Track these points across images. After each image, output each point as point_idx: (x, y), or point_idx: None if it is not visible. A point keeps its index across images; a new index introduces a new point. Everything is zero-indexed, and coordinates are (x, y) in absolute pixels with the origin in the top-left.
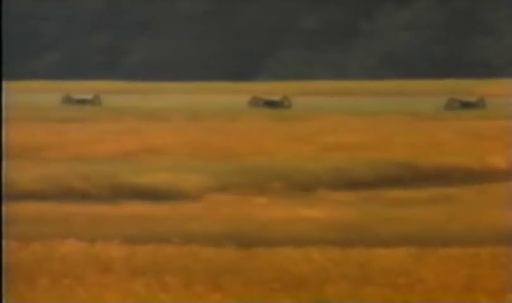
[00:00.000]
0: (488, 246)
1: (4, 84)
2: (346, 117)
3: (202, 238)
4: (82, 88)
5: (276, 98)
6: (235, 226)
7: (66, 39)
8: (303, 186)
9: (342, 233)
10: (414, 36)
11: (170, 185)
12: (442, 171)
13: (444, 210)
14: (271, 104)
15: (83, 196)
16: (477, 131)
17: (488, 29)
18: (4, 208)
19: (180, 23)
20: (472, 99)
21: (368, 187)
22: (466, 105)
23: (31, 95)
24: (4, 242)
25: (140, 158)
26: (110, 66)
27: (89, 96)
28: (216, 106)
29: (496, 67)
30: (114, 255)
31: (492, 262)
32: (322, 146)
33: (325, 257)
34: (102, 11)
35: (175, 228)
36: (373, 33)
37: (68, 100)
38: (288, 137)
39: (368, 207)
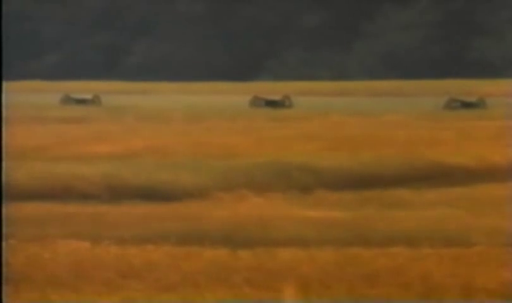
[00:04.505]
0: (488, 246)
1: (4, 84)
2: (347, 117)
3: (202, 238)
4: (82, 88)
5: (277, 97)
6: (235, 226)
7: (66, 39)
8: (302, 186)
9: (342, 233)
10: (414, 36)
11: (170, 185)
12: (442, 171)
13: (443, 210)
14: (272, 104)
15: (83, 196)
16: (477, 131)
17: (488, 30)
18: (4, 208)
19: (180, 23)
20: (472, 99)
21: (368, 187)
22: (466, 105)
23: (31, 95)
24: (4, 242)
25: (140, 158)
26: (110, 66)
27: (89, 96)
28: (216, 107)
29: (496, 67)
30: (114, 255)
31: (492, 262)
32: (322, 146)
33: (325, 257)
34: (102, 11)
35: (175, 228)
36: (374, 33)
37: (68, 100)
38: (289, 137)
39: (368, 207)
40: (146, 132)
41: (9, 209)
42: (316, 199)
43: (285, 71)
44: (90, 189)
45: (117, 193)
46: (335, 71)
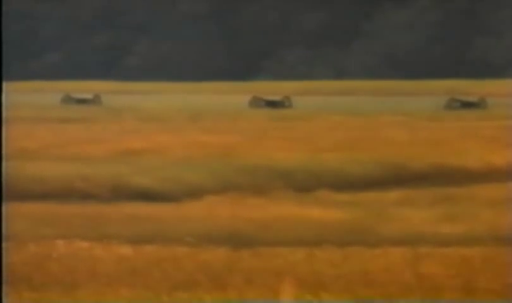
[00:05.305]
0: (487, 246)
1: (4, 84)
2: (347, 117)
3: (202, 238)
4: (82, 88)
5: (277, 97)
6: (235, 226)
7: (66, 39)
8: (303, 186)
9: (342, 233)
10: (414, 36)
11: (170, 185)
12: (442, 171)
13: (443, 210)
14: (272, 104)
15: (83, 196)
16: (478, 131)
17: (489, 29)
18: (4, 208)
19: (180, 23)
20: (473, 99)
21: (368, 187)
22: (466, 105)
23: (31, 95)
24: (4, 242)
25: (140, 158)
26: (110, 66)
27: (89, 96)
28: (216, 107)
29: (497, 67)
30: (114, 255)
31: (492, 262)
32: (323, 146)
33: (325, 257)
34: (103, 11)
35: (175, 228)
36: (374, 33)
37: (68, 100)
38: (289, 137)
39: (368, 208)
40: (147, 132)
41: (9, 209)
42: (317, 200)
43: (285, 70)
44: (90, 189)
45: (118, 193)
46: (335, 71)
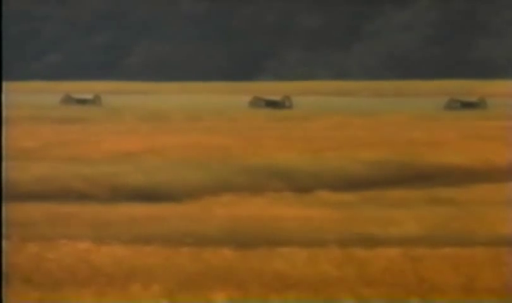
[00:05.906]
0: (488, 246)
1: (4, 84)
2: (347, 117)
3: (202, 238)
4: (82, 89)
5: (277, 98)
6: (235, 226)
7: (67, 39)
8: (302, 186)
9: (342, 233)
10: (414, 37)
11: (170, 185)
12: (442, 171)
13: (443, 210)
14: (272, 104)
15: (83, 196)
16: (477, 131)
17: (489, 30)
18: (4, 208)
19: (180, 23)
20: (473, 99)
21: (368, 187)
22: (466, 105)
23: (31, 95)
24: (4, 242)
25: (139, 158)
26: (110, 66)
27: (89, 96)
28: (217, 107)
29: (497, 68)
30: (114, 256)
31: (492, 263)
32: (322, 146)
33: (325, 257)
34: (102, 11)
35: (175, 228)
36: (374, 34)
37: (68, 100)
38: (288, 137)
39: (368, 208)
40: (146, 132)
41: (9, 209)
42: (316, 200)
43: (285, 71)
44: (90, 189)
45: (117, 193)
46: (335, 72)
